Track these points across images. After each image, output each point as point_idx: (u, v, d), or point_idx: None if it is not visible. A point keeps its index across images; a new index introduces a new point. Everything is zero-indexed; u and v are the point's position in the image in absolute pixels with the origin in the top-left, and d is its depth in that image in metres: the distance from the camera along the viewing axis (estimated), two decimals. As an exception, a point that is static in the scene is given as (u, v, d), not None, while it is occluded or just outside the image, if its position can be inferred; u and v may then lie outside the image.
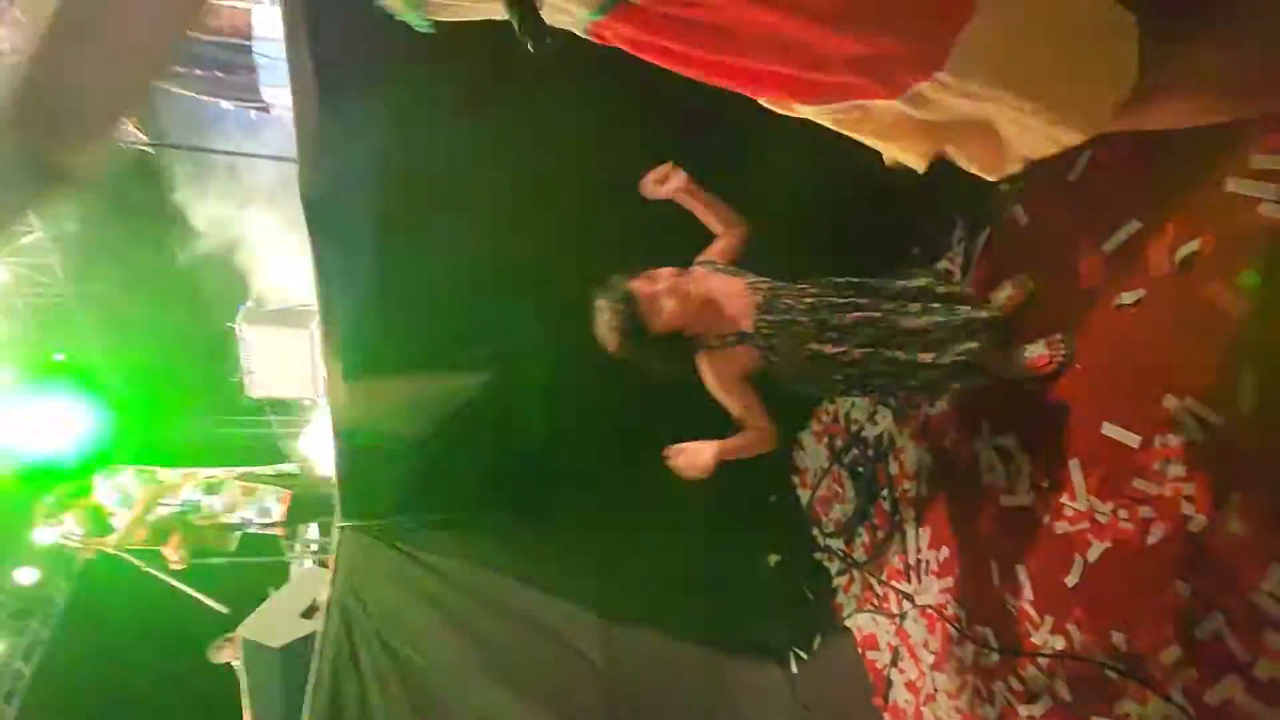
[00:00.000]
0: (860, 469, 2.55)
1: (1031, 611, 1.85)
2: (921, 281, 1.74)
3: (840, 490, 2.69)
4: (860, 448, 2.55)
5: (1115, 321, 1.69)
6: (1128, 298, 1.65)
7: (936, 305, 1.69)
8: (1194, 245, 1.51)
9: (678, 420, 2.75)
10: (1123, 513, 1.63)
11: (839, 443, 2.69)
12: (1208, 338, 1.49)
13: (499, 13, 0.86)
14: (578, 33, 0.94)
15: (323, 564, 4.63)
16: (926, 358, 1.64)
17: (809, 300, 1.68)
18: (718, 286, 1.71)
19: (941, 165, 1.13)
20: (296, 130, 2.12)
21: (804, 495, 2.90)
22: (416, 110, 2.02)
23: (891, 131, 1.02)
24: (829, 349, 1.65)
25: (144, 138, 3.15)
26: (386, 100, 2.02)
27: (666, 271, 1.67)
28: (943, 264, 2.28)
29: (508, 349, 2.51)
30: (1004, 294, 1.95)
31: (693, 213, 1.77)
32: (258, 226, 6.50)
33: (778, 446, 1.75)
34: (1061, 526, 1.78)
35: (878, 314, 1.66)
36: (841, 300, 1.68)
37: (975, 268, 2.14)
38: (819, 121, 1.03)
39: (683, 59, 0.93)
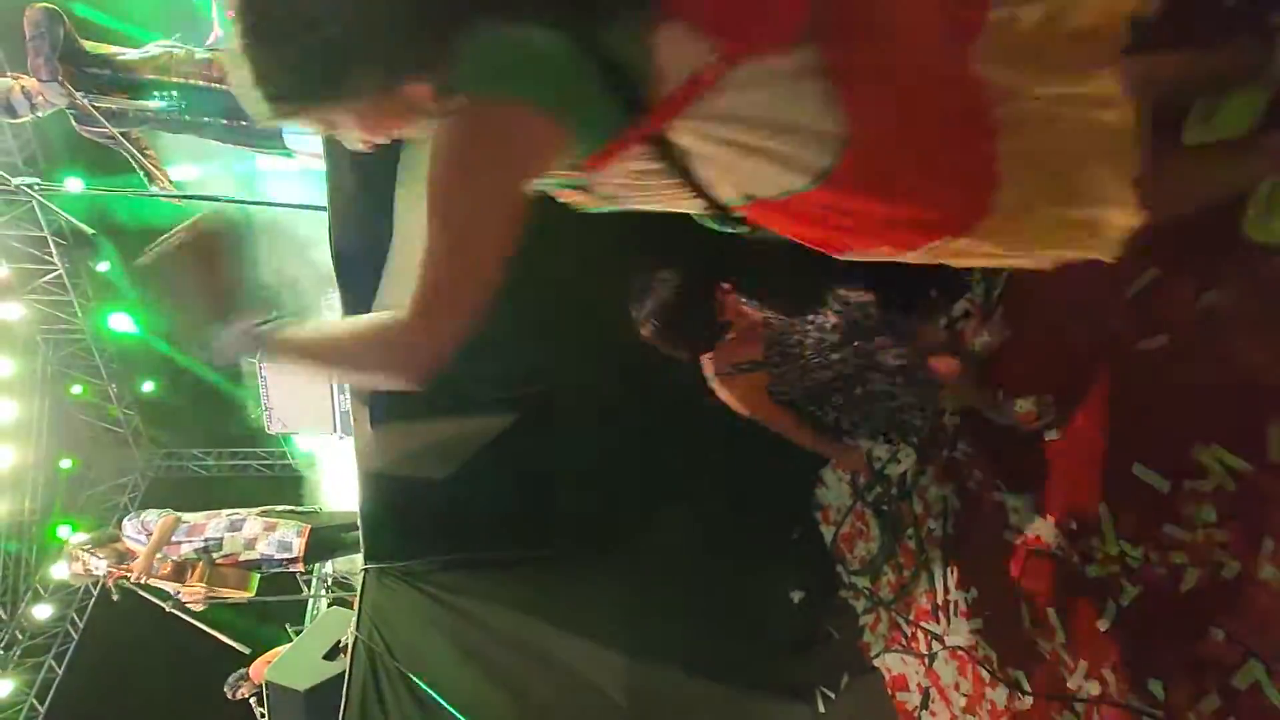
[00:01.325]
0: (885, 507, 2.55)
1: (1065, 655, 1.84)
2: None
3: (864, 528, 2.68)
4: (884, 485, 2.55)
5: (1140, 365, 1.70)
6: (1151, 343, 1.67)
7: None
8: (1218, 294, 1.54)
9: (704, 465, 2.79)
10: (1155, 557, 1.63)
11: (862, 480, 2.69)
12: (1231, 385, 1.51)
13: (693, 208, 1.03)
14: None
15: (339, 603, 4.63)
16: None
17: (813, 334, 1.81)
18: (747, 311, 1.85)
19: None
20: (328, 179, 2.19)
21: (827, 532, 2.89)
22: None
23: None
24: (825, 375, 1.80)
25: (176, 193, 3.22)
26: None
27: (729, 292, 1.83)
28: (961, 304, 2.30)
29: (535, 392, 2.55)
30: (1022, 405, 1.97)
31: None
32: (274, 265, 6.61)
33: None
34: (1092, 570, 1.78)
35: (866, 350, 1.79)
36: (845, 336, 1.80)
37: (996, 306, 2.16)
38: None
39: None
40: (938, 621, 2.31)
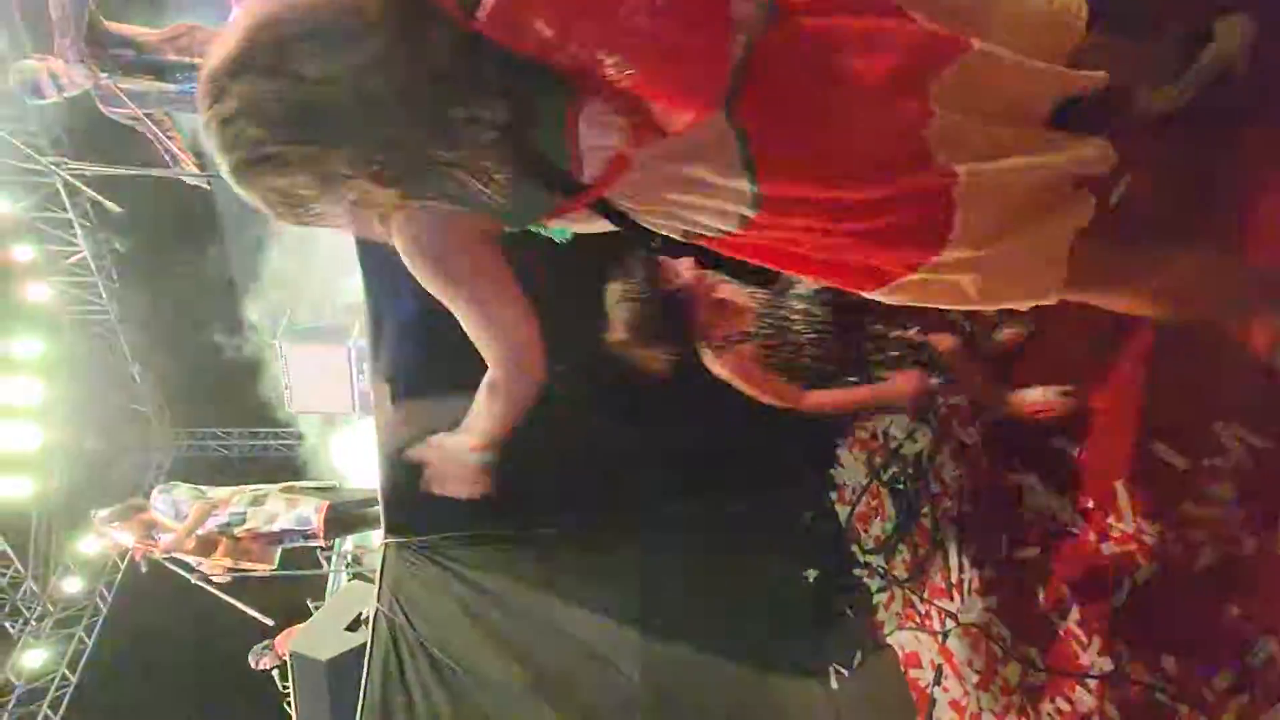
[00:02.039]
0: (901, 486, 2.56)
1: (1078, 632, 1.85)
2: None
3: (880, 507, 2.69)
4: (900, 464, 2.56)
5: (1159, 343, 1.69)
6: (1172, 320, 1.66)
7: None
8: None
9: (718, 443, 2.80)
10: (1171, 535, 1.63)
11: (877, 459, 2.70)
12: (1251, 363, 1.50)
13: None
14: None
15: (358, 577, 4.72)
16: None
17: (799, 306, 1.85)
18: (728, 289, 1.84)
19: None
20: None
21: (842, 511, 2.91)
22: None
23: None
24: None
25: (200, 173, 3.26)
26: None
27: (688, 261, 1.77)
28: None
29: (558, 365, 2.57)
30: (1033, 395, 1.93)
31: None
32: (293, 249, 6.70)
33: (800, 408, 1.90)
34: (1108, 548, 1.79)
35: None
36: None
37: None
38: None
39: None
40: (952, 599, 2.32)
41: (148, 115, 3.35)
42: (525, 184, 0.93)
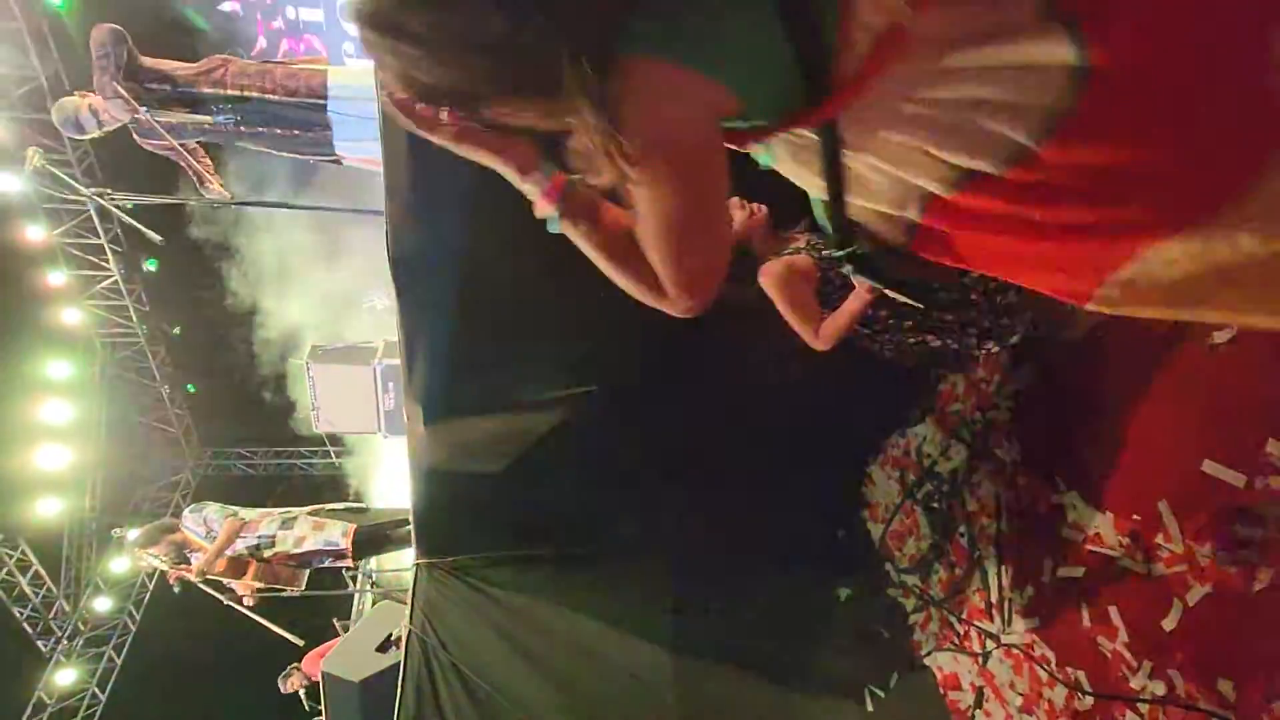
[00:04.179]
0: (935, 504, 2.53)
1: (1127, 655, 1.81)
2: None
3: (914, 526, 2.66)
4: (935, 482, 2.53)
5: (1208, 360, 1.67)
6: (1220, 337, 1.63)
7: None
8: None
9: (748, 462, 2.80)
10: (1224, 556, 1.60)
11: (911, 477, 2.67)
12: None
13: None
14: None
15: (386, 597, 4.74)
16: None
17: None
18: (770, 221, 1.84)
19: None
20: (386, 180, 2.25)
21: (875, 529, 2.88)
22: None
23: None
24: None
25: (228, 195, 3.34)
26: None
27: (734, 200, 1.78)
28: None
29: (580, 393, 2.58)
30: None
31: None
32: (323, 275, 6.82)
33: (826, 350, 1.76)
34: (1157, 569, 1.75)
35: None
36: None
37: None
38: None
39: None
40: (992, 620, 2.28)
41: (182, 145, 3.43)
42: (781, 51, 0.75)
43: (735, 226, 1.80)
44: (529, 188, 0.91)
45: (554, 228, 0.95)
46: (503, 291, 2.39)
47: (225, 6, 7.28)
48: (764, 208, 1.79)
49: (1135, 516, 1.82)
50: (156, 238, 2.77)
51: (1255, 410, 1.55)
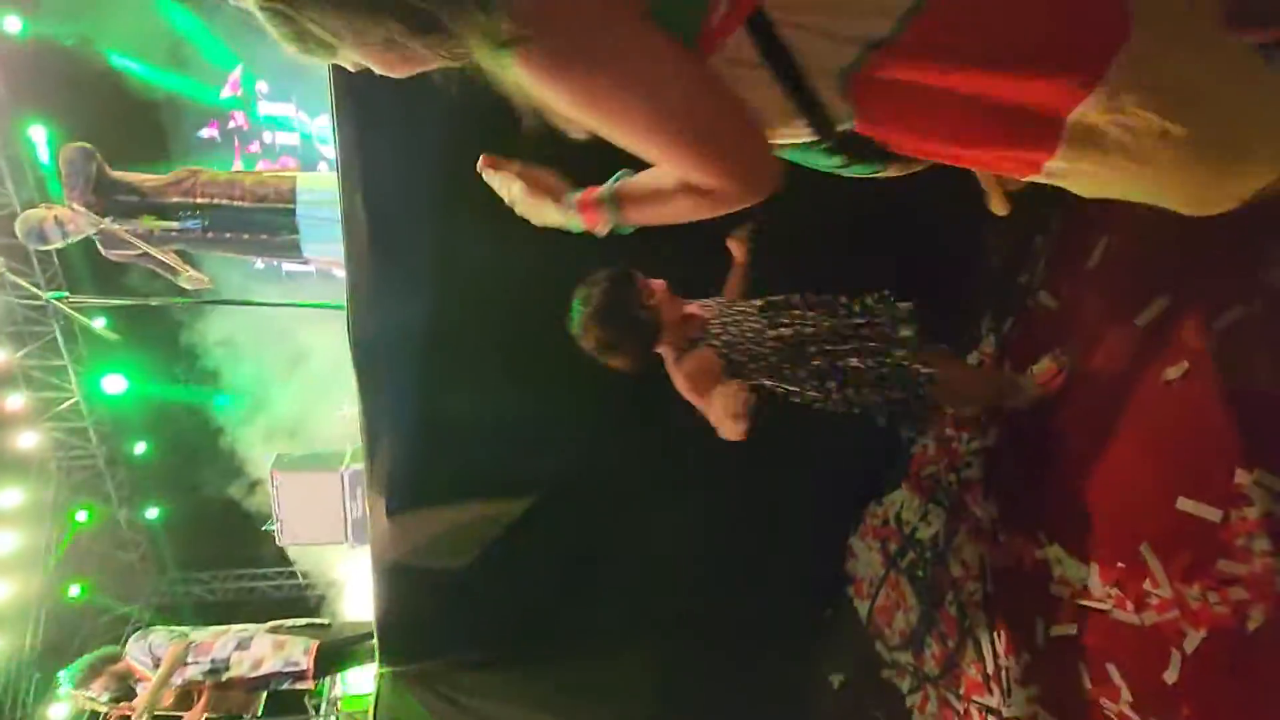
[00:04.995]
0: (920, 573, 2.45)
1: (1132, 715, 1.71)
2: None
3: (901, 598, 2.56)
4: (916, 550, 2.46)
5: (1165, 397, 1.68)
6: (1172, 372, 1.66)
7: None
8: (1233, 314, 1.54)
9: (726, 549, 2.70)
10: (1214, 596, 1.55)
11: (893, 546, 2.60)
12: (1261, 404, 1.48)
13: None
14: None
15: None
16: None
17: (758, 306, 1.89)
18: (691, 307, 1.91)
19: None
20: (347, 276, 2.27)
21: (861, 606, 2.76)
22: (461, 253, 2.15)
23: None
24: (786, 332, 1.82)
25: (205, 280, 3.37)
26: (431, 246, 2.18)
27: (659, 283, 1.83)
28: (974, 356, 2.31)
29: (553, 476, 2.51)
30: (1040, 367, 1.99)
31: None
32: (287, 376, 6.75)
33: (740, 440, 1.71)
34: (1149, 617, 1.68)
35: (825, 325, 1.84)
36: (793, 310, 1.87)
37: (1008, 354, 2.17)
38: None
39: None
40: (991, 693, 2.15)
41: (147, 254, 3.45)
42: None
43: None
44: (568, 212, 1.11)
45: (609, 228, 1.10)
46: (466, 376, 2.37)
47: (204, 132, 7.61)
48: (662, 282, 1.83)
49: (1120, 564, 1.77)
50: (112, 335, 2.73)
51: (1218, 441, 1.55)
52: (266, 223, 3.47)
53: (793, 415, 1.89)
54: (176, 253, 3.54)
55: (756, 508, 2.69)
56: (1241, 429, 1.52)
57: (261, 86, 7.84)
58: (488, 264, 2.13)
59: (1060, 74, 0.83)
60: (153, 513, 8.62)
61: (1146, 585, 1.69)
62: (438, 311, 2.25)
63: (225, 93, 7.89)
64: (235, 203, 3.39)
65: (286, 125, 7.82)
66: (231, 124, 7.96)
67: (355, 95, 1.88)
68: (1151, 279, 1.72)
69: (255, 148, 7.74)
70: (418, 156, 2.03)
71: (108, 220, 3.31)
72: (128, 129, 6.11)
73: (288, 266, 6.83)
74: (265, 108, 7.93)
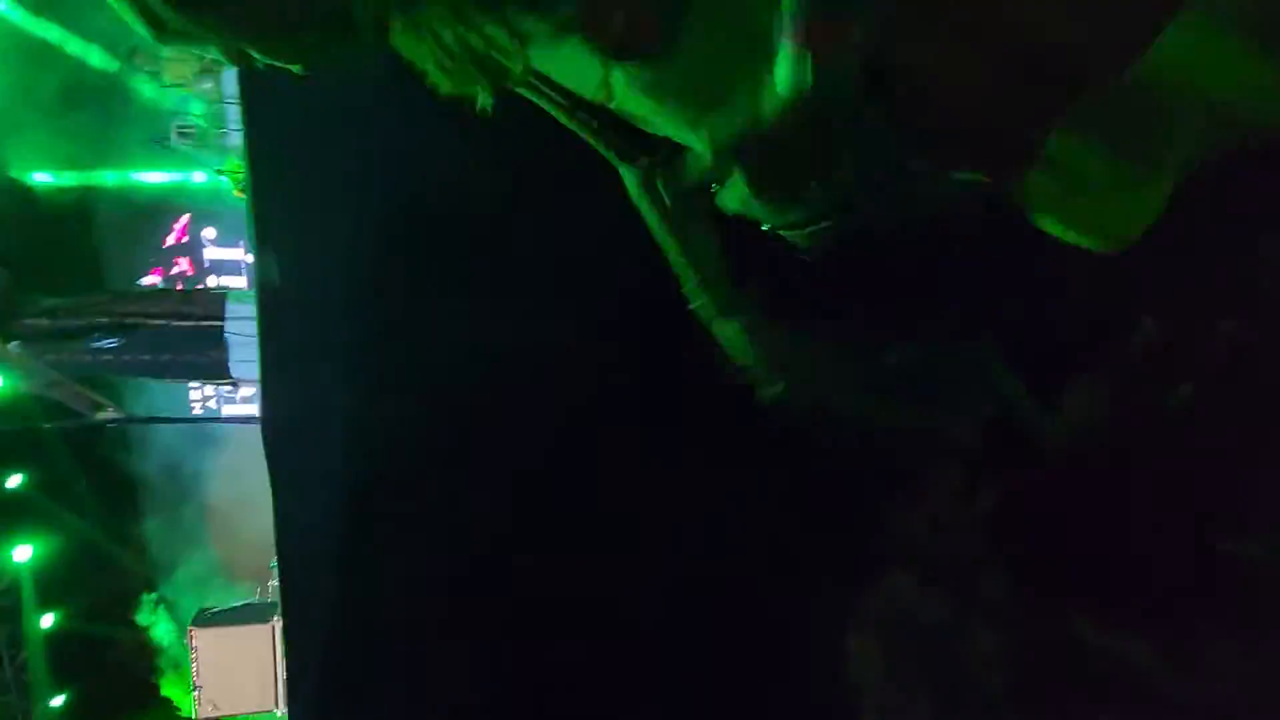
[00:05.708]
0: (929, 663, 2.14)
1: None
2: None
3: (907, 700, 2.23)
4: (923, 638, 2.16)
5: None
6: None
7: None
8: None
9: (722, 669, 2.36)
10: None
11: (895, 638, 2.29)
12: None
13: None
14: None
15: None
16: None
17: None
18: None
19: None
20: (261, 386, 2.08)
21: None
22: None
23: None
24: None
25: (121, 414, 3.12)
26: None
27: None
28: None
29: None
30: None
31: None
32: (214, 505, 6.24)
33: None
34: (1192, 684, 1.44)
35: None
36: None
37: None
38: None
39: None
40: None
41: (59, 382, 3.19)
42: None
43: None
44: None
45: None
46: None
47: (145, 280, 7.47)
48: None
49: (1157, 622, 1.54)
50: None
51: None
52: (191, 341, 3.27)
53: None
54: (87, 381, 3.31)
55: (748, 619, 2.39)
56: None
57: (208, 232, 7.87)
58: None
59: None
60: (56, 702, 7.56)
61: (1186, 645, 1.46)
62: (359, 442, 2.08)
63: (170, 240, 7.88)
64: (158, 320, 3.21)
65: (235, 270, 7.76)
66: (175, 269, 7.88)
67: (271, 162, 1.79)
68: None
69: (200, 293, 7.64)
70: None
71: (12, 346, 3.07)
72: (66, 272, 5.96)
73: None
74: (212, 253, 7.92)
